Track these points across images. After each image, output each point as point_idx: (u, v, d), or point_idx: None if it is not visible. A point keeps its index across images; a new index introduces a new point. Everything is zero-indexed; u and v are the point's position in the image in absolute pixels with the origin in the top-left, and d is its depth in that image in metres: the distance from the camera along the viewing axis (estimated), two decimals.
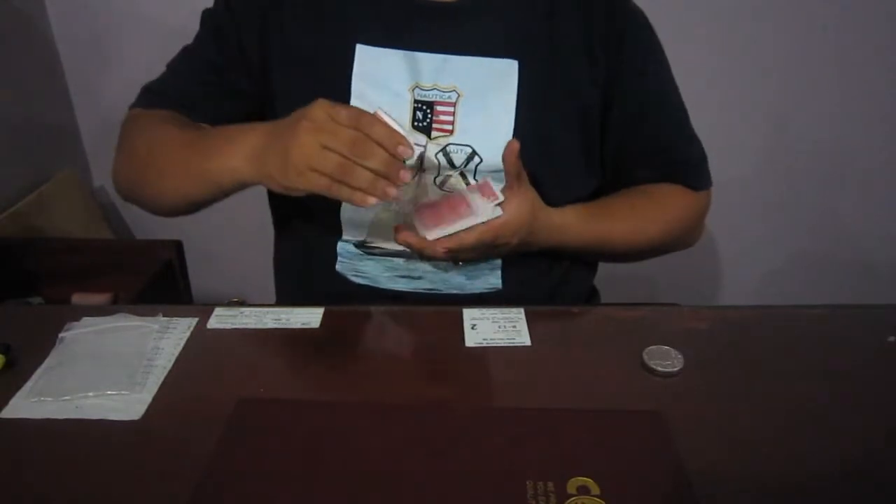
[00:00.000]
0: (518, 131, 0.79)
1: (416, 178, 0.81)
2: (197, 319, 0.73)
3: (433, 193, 0.81)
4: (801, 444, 0.58)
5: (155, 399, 0.62)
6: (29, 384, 0.64)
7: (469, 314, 0.74)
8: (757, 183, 1.74)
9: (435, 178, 0.81)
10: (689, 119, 0.89)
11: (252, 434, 0.58)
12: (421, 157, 0.80)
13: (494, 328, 0.72)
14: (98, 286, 1.40)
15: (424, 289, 0.85)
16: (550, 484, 0.53)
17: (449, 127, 0.80)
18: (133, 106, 0.88)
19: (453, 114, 0.80)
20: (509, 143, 0.73)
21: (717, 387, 0.65)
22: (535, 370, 0.67)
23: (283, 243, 0.97)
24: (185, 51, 0.88)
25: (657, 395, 0.64)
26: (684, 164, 0.88)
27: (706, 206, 0.92)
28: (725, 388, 0.65)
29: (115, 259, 1.44)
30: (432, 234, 0.74)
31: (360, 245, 0.85)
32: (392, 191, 0.64)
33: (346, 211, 0.83)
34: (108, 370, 0.65)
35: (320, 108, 0.65)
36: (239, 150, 0.72)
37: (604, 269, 0.99)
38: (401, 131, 0.64)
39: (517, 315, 0.74)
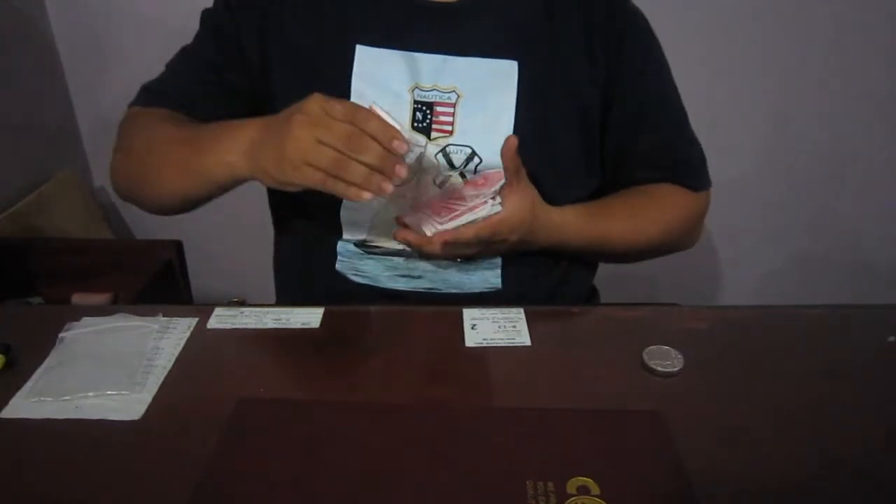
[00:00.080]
0: (518, 132, 0.79)
1: (416, 179, 0.81)
2: (197, 319, 0.73)
3: (433, 194, 0.81)
4: (801, 444, 0.58)
5: (155, 399, 0.62)
6: (29, 384, 0.64)
7: (469, 314, 0.74)
8: (757, 183, 1.74)
9: (434, 179, 0.81)
10: (688, 120, 0.89)
11: (252, 434, 0.58)
12: (420, 158, 0.80)
13: (494, 328, 0.72)
14: (98, 286, 1.40)
15: (424, 288, 0.85)
16: (550, 484, 0.52)
17: (448, 128, 0.80)
18: (132, 105, 0.88)
19: (453, 114, 0.80)
20: (507, 140, 0.73)
21: (717, 387, 0.65)
22: (535, 370, 0.67)
23: (282, 243, 0.97)
24: (185, 50, 0.88)
25: (657, 395, 0.64)
26: (684, 165, 0.89)
27: (705, 207, 0.92)
28: (725, 388, 0.65)
29: (115, 259, 1.44)
30: (430, 230, 0.74)
31: (359, 244, 0.85)
32: (387, 186, 0.64)
33: (346, 210, 0.83)
34: (108, 370, 0.65)
35: (315, 103, 0.65)
36: (234, 145, 0.72)
37: (604, 269, 0.99)
38: (396, 126, 0.64)
39: (517, 315, 0.74)
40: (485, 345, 0.70)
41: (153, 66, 0.89)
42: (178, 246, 1.44)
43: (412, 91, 0.80)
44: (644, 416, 0.60)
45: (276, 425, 0.59)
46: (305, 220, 0.89)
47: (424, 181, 0.81)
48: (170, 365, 0.66)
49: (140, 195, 0.85)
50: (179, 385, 0.64)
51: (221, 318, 0.74)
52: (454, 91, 0.80)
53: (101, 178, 1.78)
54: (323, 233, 0.86)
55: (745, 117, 1.67)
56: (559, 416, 0.60)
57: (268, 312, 0.74)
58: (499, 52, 0.80)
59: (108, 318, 0.72)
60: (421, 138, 0.80)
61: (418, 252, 0.80)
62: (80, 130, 1.74)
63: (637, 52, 0.83)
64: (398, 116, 0.66)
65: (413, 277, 0.85)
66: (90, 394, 0.62)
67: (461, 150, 0.80)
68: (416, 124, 0.80)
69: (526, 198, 0.76)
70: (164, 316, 0.73)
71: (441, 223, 0.74)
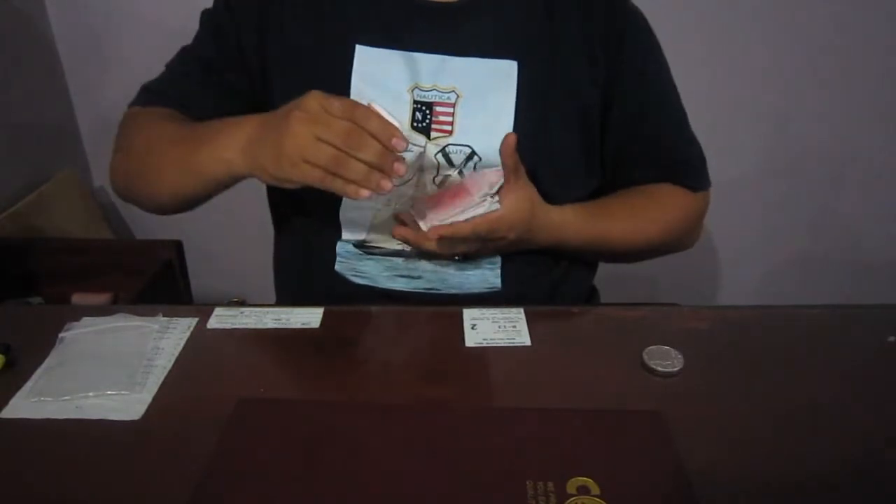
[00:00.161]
0: (517, 131, 0.78)
1: (415, 179, 0.81)
2: (197, 319, 0.73)
3: (431, 193, 0.81)
4: (801, 444, 0.58)
5: (155, 399, 0.62)
6: (29, 384, 0.64)
7: (469, 314, 0.74)
8: (757, 183, 1.74)
9: (434, 178, 0.81)
10: (688, 120, 0.89)
11: (252, 434, 0.58)
12: (420, 158, 0.80)
13: (494, 328, 0.72)
14: (98, 286, 1.40)
15: (424, 288, 0.85)
16: (550, 484, 0.52)
17: (448, 127, 0.80)
18: (132, 105, 0.88)
19: (452, 114, 0.80)
20: (506, 137, 0.73)
21: (717, 387, 0.65)
22: (535, 370, 0.67)
23: (282, 243, 0.97)
24: (184, 50, 0.88)
25: (657, 395, 0.63)
26: (684, 165, 0.89)
27: (705, 207, 0.92)
28: (725, 388, 0.65)
29: (115, 259, 1.44)
30: (426, 225, 0.74)
31: (359, 245, 0.85)
32: (386, 183, 0.64)
33: (346, 210, 0.83)
34: (108, 370, 0.65)
35: (314, 100, 0.64)
36: (232, 141, 0.72)
37: (604, 269, 0.99)
38: (395, 123, 0.64)
39: (517, 315, 0.74)
40: (485, 345, 0.70)
41: (153, 66, 0.89)
42: (178, 246, 1.44)
43: (412, 91, 0.80)
44: (644, 416, 0.60)
45: (276, 425, 0.59)
46: (305, 220, 0.88)
47: (424, 181, 0.81)
48: (170, 365, 0.66)
49: (139, 195, 0.85)
50: (179, 385, 0.64)
51: (221, 318, 0.74)
52: (454, 91, 0.80)
53: (101, 178, 1.78)
54: (322, 233, 0.86)
55: (745, 117, 1.67)
56: (559, 416, 0.60)
57: (268, 312, 0.74)
58: (498, 52, 0.80)
59: (108, 318, 0.72)
60: (420, 139, 0.80)
61: (417, 251, 0.80)
62: (80, 130, 1.74)
63: (637, 52, 0.83)
64: (398, 116, 0.65)
65: (412, 278, 0.85)
66: (90, 394, 0.62)
67: (461, 150, 0.80)
68: (415, 124, 0.80)
69: (524, 196, 0.76)
70: (164, 316, 0.73)
71: (438, 219, 0.74)
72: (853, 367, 0.68)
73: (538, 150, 0.80)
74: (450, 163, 0.80)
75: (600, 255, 0.95)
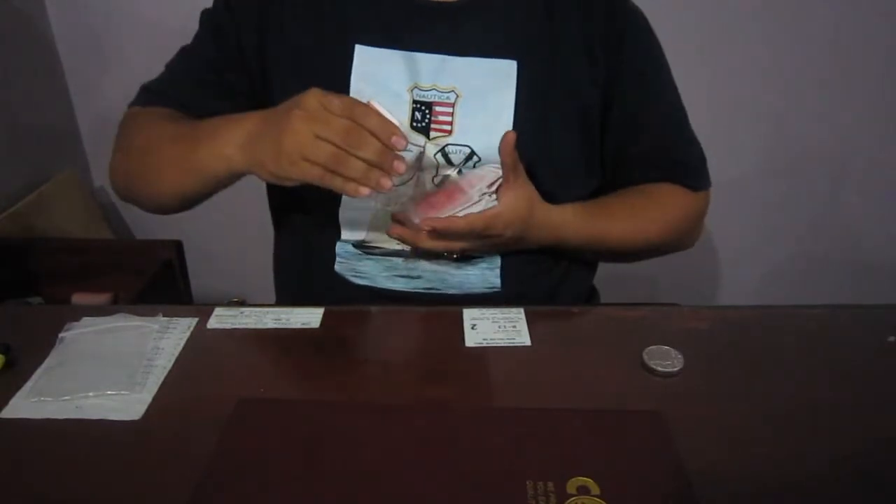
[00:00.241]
0: (517, 131, 0.78)
1: (415, 179, 0.81)
2: (197, 319, 0.73)
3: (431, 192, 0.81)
4: (801, 444, 0.58)
5: (155, 399, 0.62)
6: (29, 384, 0.64)
7: (469, 314, 0.74)
8: (757, 183, 1.74)
9: (433, 178, 0.81)
10: (688, 120, 0.89)
11: (252, 434, 0.58)
12: (419, 157, 0.80)
13: (494, 328, 0.72)
14: (98, 286, 1.40)
15: (423, 288, 0.85)
16: (550, 484, 0.52)
17: (448, 127, 0.80)
18: (132, 105, 0.88)
19: (452, 114, 0.80)
20: (505, 135, 0.73)
21: (717, 387, 0.65)
22: (535, 370, 0.67)
23: (282, 243, 0.97)
24: (184, 50, 0.88)
25: (657, 395, 0.63)
26: (683, 165, 0.88)
27: (705, 207, 0.92)
28: (725, 388, 0.65)
29: (115, 259, 1.44)
30: (418, 218, 0.74)
31: (358, 245, 0.85)
32: (386, 181, 0.63)
33: (346, 211, 0.83)
34: (108, 370, 0.65)
35: (313, 97, 0.64)
36: (232, 138, 0.72)
37: (604, 269, 0.99)
38: (394, 122, 0.64)
39: (517, 315, 0.74)
40: (485, 345, 0.70)
41: (153, 66, 0.89)
42: (178, 246, 1.44)
43: (411, 91, 0.80)
44: (644, 416, 0.60)
45: (276, 425, 0.59)
46: (305, 220, 0.88)
47: (423, 180, 0.81)
48: (170, 365, 0.66)
49: (139, 194, 0.85)
50: (179, 385, 0.64)
51: (221, 318, 0.74)
52: (453, 91, 0.80)
53: (101, 178, 1.78)
54: (322, 233, 0.86)
55: (745, 117, 1.67)
56: (559, 416, 0.60)
57: (268, 312, 0.74)
58: (498, 52, 0.80)
59: (108, 318, 0.72)
60: (420, 139, 0.80)
61: (416, 250, 0.80)
62: (80, 130, 1.74)
63: (637, 52, 0.83)
64: (397, 116, 0.65)
65: (412, 278, 0.85)
66: (90, 394, 0.62)
67: (460, 150, 0.80)
68: (415, 124, 0.80)
69: (522, 194, 0.76)
70: (164, 316, 0.73)
71: (433, 215, 0.74)
72: (853, 367, 0.68)
73: (538, 150, 0.80)
74: (449, 162, 0.80)
75: (600, 255, 0.95)
